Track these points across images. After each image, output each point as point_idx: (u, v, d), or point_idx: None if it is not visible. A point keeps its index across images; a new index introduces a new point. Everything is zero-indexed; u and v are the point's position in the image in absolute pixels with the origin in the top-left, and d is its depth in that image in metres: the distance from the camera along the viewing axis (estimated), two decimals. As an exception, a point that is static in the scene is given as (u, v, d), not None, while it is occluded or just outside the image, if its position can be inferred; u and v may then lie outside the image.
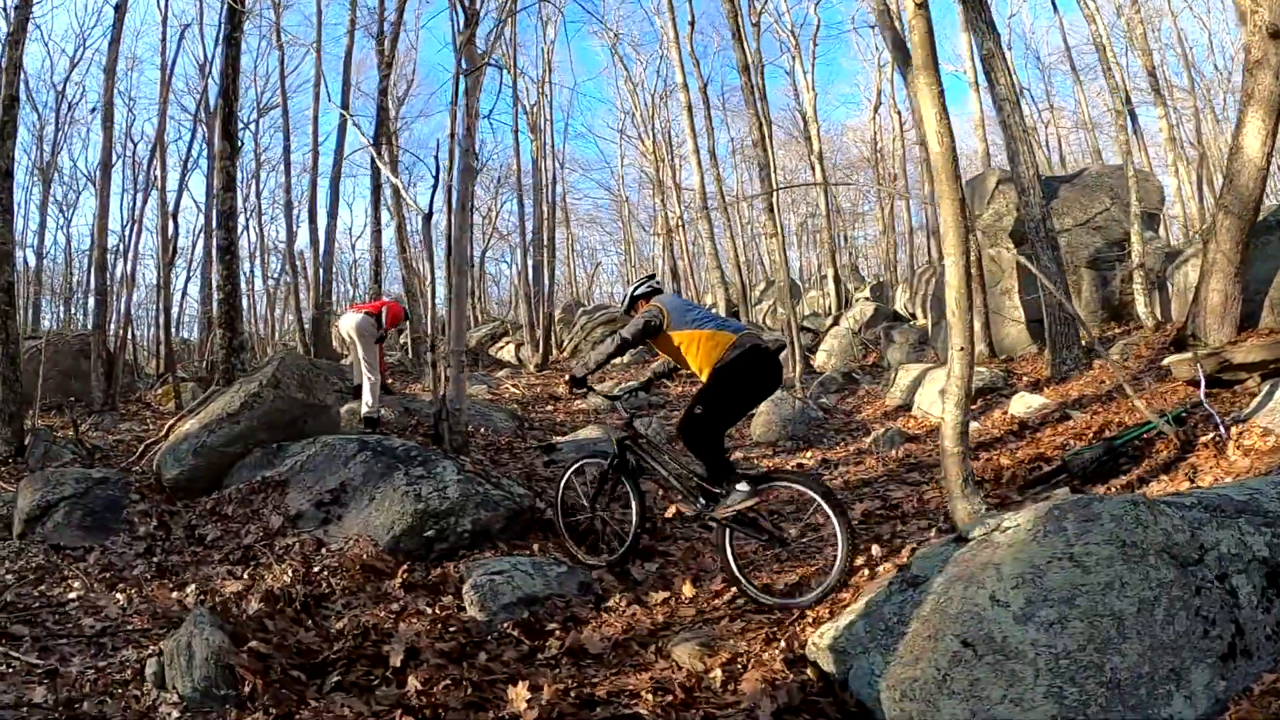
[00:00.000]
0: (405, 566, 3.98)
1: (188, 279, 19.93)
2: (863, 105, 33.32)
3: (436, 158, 5.89)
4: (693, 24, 16.56)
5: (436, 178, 5.92)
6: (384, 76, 11.23)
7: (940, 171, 4.01)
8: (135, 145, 19.71)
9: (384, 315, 6.50)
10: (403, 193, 6.07)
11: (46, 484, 4.72)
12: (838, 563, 3.62)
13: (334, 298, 17.31)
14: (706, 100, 16.18)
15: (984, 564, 2.60)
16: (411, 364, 12.92)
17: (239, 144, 8.58)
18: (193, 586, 3.90)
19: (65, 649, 3.19)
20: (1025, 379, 8.45)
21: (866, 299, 20.22)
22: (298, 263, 19.09)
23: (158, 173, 13.65)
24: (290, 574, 3.88)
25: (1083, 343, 8.18)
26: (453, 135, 5.86)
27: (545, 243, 16.36)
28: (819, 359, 14.04)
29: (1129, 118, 13.08)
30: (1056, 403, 7.35)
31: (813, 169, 19.89)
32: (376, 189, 12.39)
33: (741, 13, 12.54)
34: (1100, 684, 2.15)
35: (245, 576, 3.94)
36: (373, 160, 10.49)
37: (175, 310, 17.70)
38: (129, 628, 3.40)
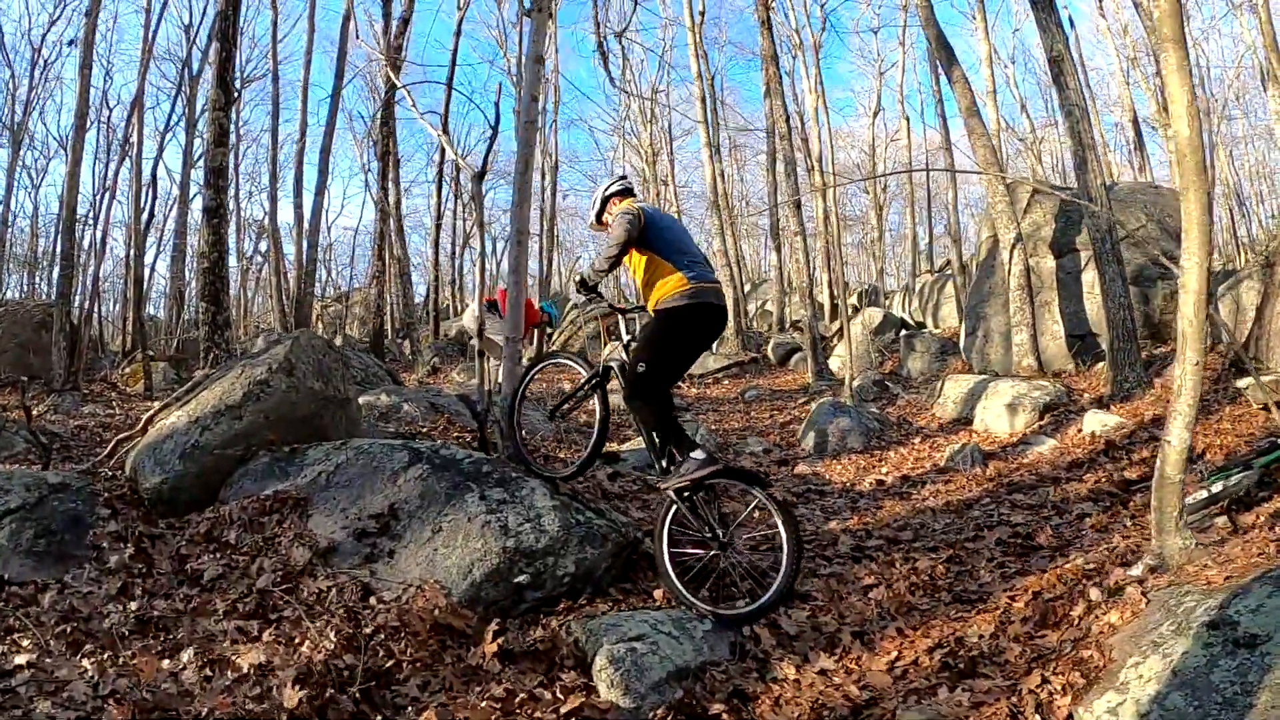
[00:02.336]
0: (494, 626, 2.77)
1: (156, 254, 17.93)
2: (858, 110, 32.59)
3: (497, 107, 4.62)
4: (703, 14, 15.45)
5: (495, 128, 4.65)
6: (399, 32, 9.73)
7: (1187, 159, 3.25)
8: (111, 110, 17.67)
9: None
10: (451, 150, 4.83)
11: (-14, 488, 3.34)
12: (781, 574, 3.12)
13: (318, 279, 15.62)
14: (713, 93, 15.09)
15: None
16: (399, 350, 11.49)
17: (235, 94, 7.11)
18: (190, 651, 2.62)
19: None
20: (1086, 396, 7.58)
21: (856, 305, 19.48)
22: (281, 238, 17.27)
23: (135, 135, 11.83)
24: (334, 636, 2.60)
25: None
26: (517, 85, 4.60)
27: (543, 233, 15.02)
28: (834, 365, 13.08)
29: (1136, 134, 12.68)
30: (1134, 422, 6.53)
31: (810, 173, 18.99)
32: (386, 155, 10.82)
33: (768, 3, 11.43)
34: None
35: (266, 638, 2.66)
36: (384, 125, 9.07)
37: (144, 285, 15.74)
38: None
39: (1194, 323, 3.19)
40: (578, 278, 3.56)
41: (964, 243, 15.17)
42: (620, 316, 3.74)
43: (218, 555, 3.28)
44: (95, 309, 12.07)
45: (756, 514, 3.64)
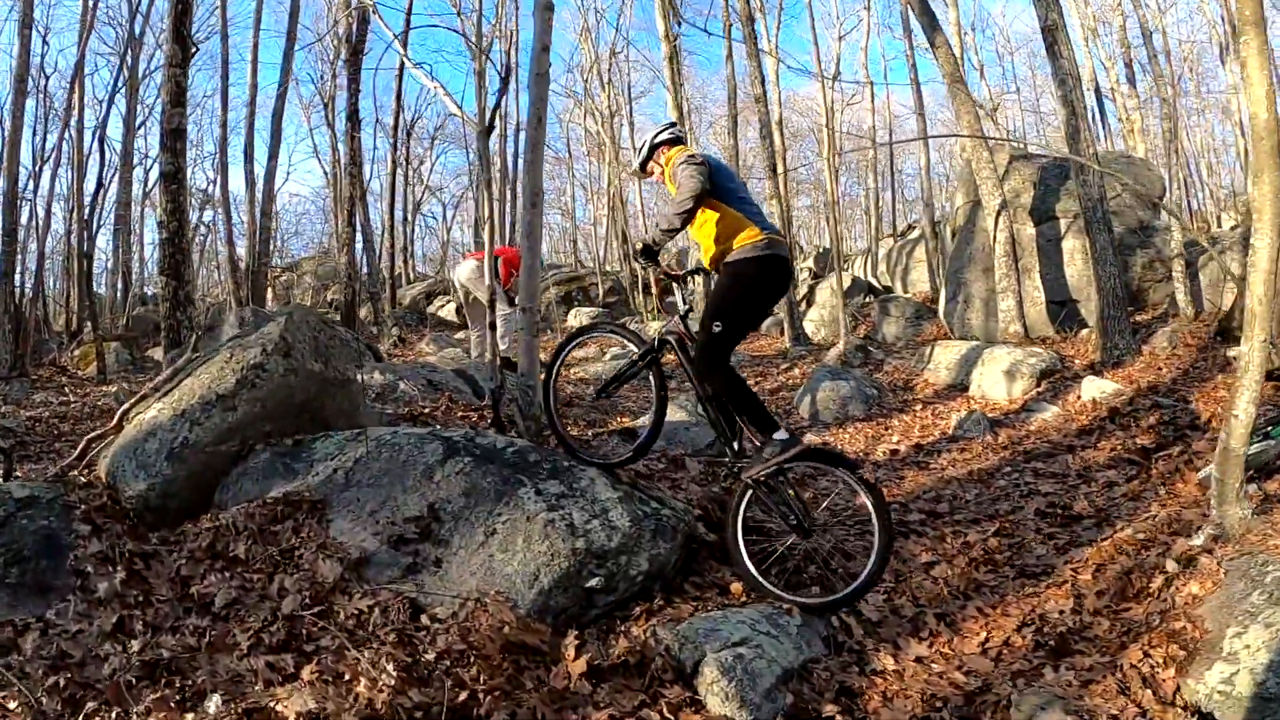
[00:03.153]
0: (573, 639, 2.39)
1: (97, 228, 16.43)
2: (812, 75, 32.06)
3: (509, 56, 4.06)
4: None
5: (505, 79, 4.11)
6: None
7: (1263, 142, 3.19)
8: (48, 78, 15.97)
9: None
10: (451, 103, 4.25)
11: (-69, 511, 2.74)
12: (873, 558, 2.93)
13: (271, 247, 14.51)
14: (679, 55, 14.43)
15: None
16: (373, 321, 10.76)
17: (192, 49, 6.28)
18: (217, 699, 2.17)
19: None
20: (1077, 362, 7.52)
21: (815, 270, 19.34)
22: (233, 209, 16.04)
23: (76, 102, 10.60)
24: (391, 669, 2.18)
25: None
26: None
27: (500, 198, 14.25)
28: (808, 329, 12.89)
29: (1098, 104, 12.69)
30: (1131, 389, 6.51)
31: (768, 138, 18.56)
32: (354, 113, 9.85)
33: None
34: None
35: (308, 675, 2.22)
36: (352, 81, 8.24)
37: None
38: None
39: (1264, 300, 3.13)
40: (639, 245, 3.20)
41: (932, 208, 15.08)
42: (677, 284, 3.39)
43: (227, 575, 2.77)
44: (41, 286, 10.89)
45: (839, 495, 3.34)
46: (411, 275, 25.33)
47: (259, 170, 13.07)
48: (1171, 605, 2.97)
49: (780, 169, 18.07)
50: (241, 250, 14.24)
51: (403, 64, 9.60)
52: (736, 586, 2.96)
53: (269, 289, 17.34)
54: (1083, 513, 4.35)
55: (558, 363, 3.58)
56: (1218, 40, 13.27)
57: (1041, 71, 19.23)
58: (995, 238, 9.08)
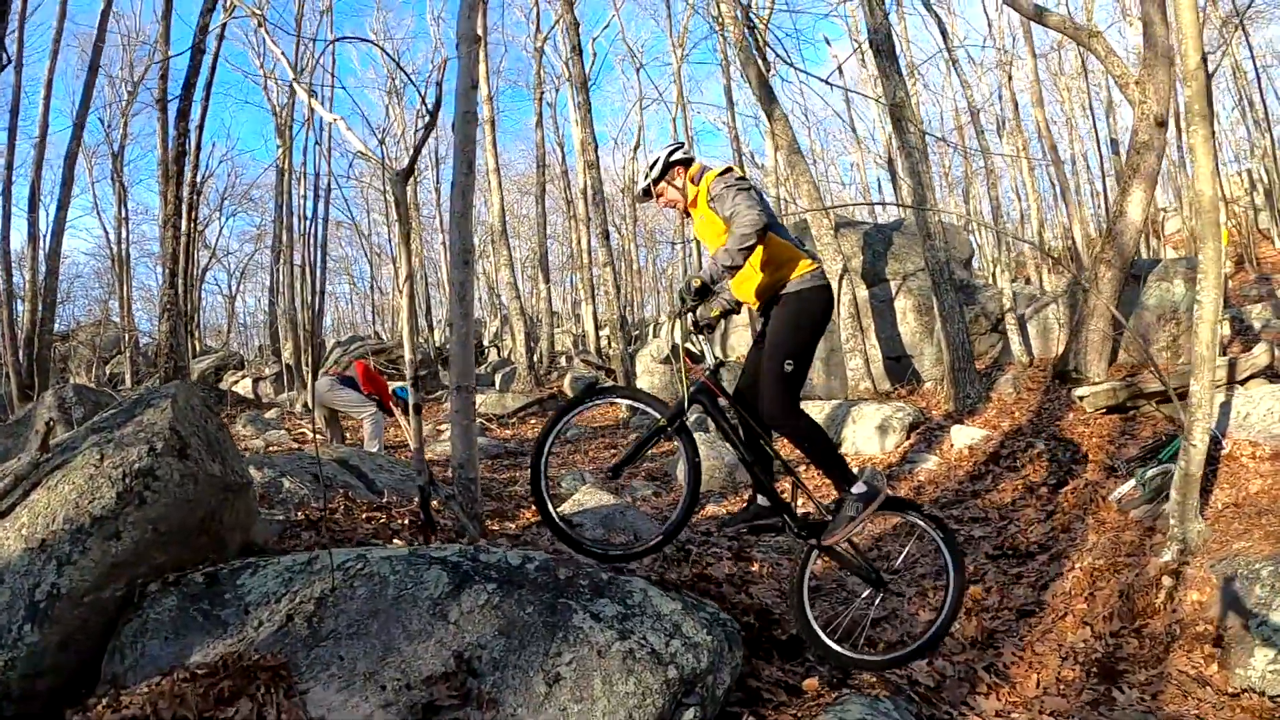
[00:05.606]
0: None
1: None
2: (610, 145, 33.53)
3: (439, 88, 3.55)
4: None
5: (434, 113, 3.58)
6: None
7: (1206, 215, 3.87)
8: None
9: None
10: (356, 140, 3.55)
11: None
12: (947, 606, 3.00)
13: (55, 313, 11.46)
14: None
15: None
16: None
17: (5, 59, 4.82)
18: None
19: None
20: (934, 413, 8.38)
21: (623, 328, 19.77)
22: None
23: None
24: None
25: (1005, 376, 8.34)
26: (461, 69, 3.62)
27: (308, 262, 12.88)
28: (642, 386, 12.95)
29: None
30: (997, 434, 7.42)
31: (570, 205, 18.99)
32: (182, 155, 7.99)
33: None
34: None
35: None
36: (181, 118, 6.77)
37: None
38: None
39: (1210, 347, 3.82)
40: (696, 282, 2.88)
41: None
42: (704, 333, 3.14)
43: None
44: None
45: (913, 543, 3.25)
46: (196, 348, 22.25)
47: (48, 220, 10.31)
48: (1183, 614, 3.41)
49: (585, 239, 18.56)
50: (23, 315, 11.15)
51: (204, 112, 8.32)
52: (811, 682, 2.82)
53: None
54: (1029, 550, 4.86)
55: (550, 438, 3.04)
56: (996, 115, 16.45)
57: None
58: (840, 300, 9.89)
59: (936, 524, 3.05)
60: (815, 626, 2.84)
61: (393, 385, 7.82)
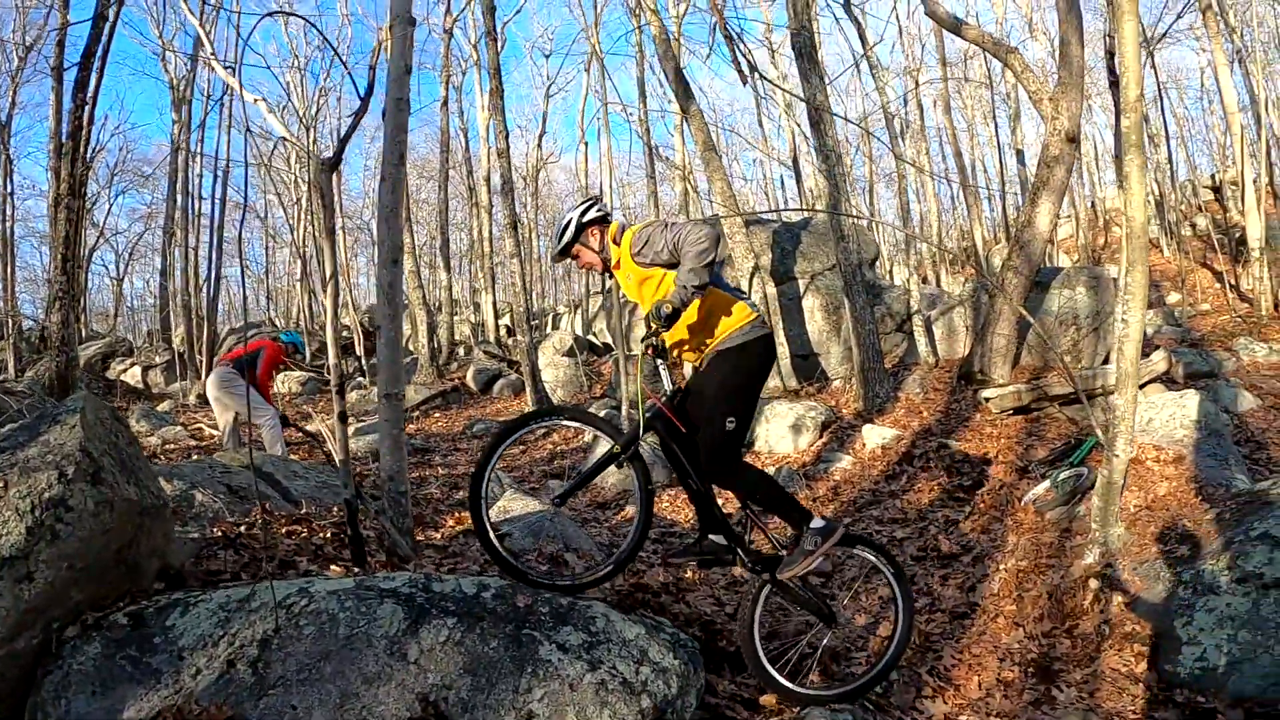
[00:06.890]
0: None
1: None
2: (516, 131, 32.73)
3: (372, 71, 3.30)
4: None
5: (365, 99, 3.33)
6: None
7: (1136, 239, 4.03)
8: None
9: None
10: (279, 124, 3.17)
11: None
12: (896, 638, 3.09)
13: None
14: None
15: None
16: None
17: None
18: None
19: None
20: (844, 412, 8.67)
21: (509, 327, 19.45)
22: None
23: None
24: None
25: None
26: (390, 48, 3.39)
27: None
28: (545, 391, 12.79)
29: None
30: (908, 434, 7.72)
31: (472, 193, 18.42)
32: (79, 130, 6.77)
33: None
34: None
35: None
36: (79, 90, 5.84)
37: None
38: None
39: (1134, 363, 4.04)
40: (669, 308, 2.72)
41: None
42: (662, 359, 2.97)
43: None
44: None
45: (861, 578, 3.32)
46: (82, 334, 20.10)
47: None
48: (1110, 614, 3.56)
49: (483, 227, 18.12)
50: None
51: (99, 82, 7.29)
52: (769, 698, 2.85)
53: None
54: (952, 551, 5.03)
55: (493, 460, 2.82)
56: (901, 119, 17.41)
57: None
58: (750, 297, 10.13)
59: (887, 558, 3.10)
60: (765, 662, 2.82)
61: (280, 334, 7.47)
